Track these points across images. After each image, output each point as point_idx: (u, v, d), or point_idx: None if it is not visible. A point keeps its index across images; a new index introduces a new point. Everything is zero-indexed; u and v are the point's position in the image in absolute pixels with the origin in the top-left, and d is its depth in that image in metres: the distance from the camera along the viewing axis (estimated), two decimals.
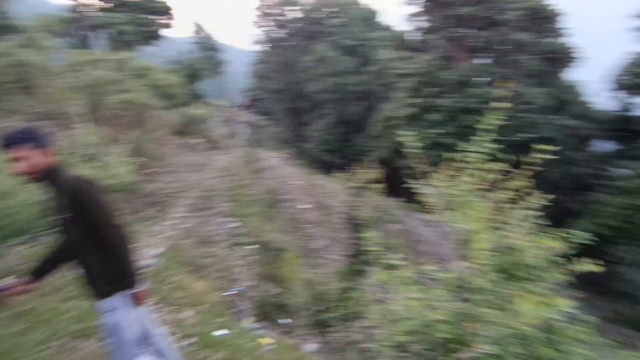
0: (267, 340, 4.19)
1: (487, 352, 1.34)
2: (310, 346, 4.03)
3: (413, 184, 1.83)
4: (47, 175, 1.99)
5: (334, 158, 27.70)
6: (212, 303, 4.87)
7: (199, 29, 39.10)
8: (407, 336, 1.57)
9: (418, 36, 23.27)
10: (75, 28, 21.58)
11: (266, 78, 36.51)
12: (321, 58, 28.69)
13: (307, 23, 34.34)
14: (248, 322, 4.90)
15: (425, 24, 21.86)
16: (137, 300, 2.13)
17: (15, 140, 1.88)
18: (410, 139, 1.86)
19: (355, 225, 2.90)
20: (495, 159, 1.68)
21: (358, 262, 2.98)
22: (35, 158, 1.92)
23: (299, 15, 35.25)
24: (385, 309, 1.80)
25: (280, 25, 34.97)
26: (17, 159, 1.88)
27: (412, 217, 11.93)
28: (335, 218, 8.64)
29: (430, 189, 1.80)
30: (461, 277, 1.61)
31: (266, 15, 34.55)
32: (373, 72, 27.05)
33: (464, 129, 17.14)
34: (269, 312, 5.25)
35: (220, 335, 4.01)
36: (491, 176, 1.63)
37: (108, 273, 2.08)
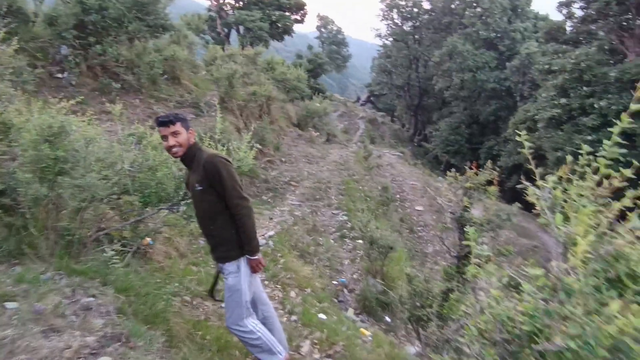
0: (367, 332, 4.30)
1: (571, 347, 1.24)
2: (410, 348, 3.99)
3: (525, 184, 1.72)
4: (190, 152, 2.46)
5: (458, 160, 26.22)
6: (315, 288, 5.19)
7: (325, 22, 40.99)
8: (491, 326, 1.52)
9: (572, 26, 20.32)
10: (215, 25, 24.94)
11: (388, 73, 36.40)
12: (453, 52, 27.26)
13: (438, 14, 33.00)
14: (349, 313, 5.08)
15: (582, 12, 18.94)
16: (255, 267, 2.50)
17: (174, 119, 2.42)
18: (524, 140, 1.75)
19: (463, 226, 2.79)
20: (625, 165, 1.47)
21: (464, 264, 2.85)
22: (184, 135, 2.43)
23: (428, 6, 34.04)
24: (473, 301, 1.75)
25: (406, 17, 34.33)
26: (173, 134, 2.40)
27: (527, 222, 10.57)
28: (446, 218, 8.26)
29: (544, 191, 1.67)
30: (556, 277, 1.49)
31: (391, 7, 34.31)
32: (515, 67, 24.55)
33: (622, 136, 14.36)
34: (371, 308, 5.35)
35: (321, 318, 4.27)
36: (615, 183, 1.44)
37: (233, 239, 2.46)
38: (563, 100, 16.93)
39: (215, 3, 25.12)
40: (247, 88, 11.84)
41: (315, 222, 7.40)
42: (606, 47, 17.34)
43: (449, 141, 27.48)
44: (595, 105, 15.72)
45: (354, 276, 6.18)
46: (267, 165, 9.75)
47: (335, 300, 5.39)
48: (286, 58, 23.38)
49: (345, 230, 7.46)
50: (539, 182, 1.67)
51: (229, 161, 2.43)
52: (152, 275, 3.91)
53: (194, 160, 2.45)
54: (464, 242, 2.60)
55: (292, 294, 4.79)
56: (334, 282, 5.86)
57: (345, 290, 5.75)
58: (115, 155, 3.61)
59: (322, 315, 4.36)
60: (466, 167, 3.45)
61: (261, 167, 9.40)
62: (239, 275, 2.48)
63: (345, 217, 7.94)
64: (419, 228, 9.63)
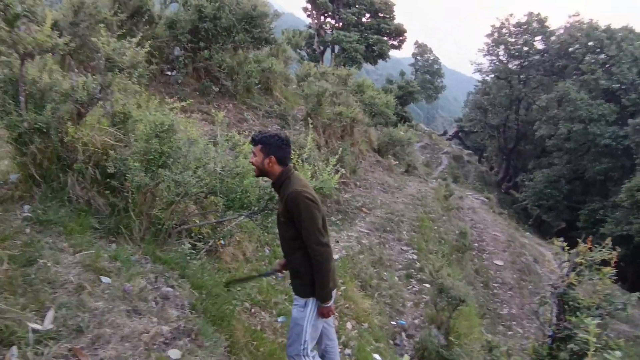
0: None
1: None
2: None
3: None
4: (278, 179, 2.48)
5: (551, 217, 24.16)
6: (373, 325, 5.12)
7: (422, 50, 40.97)
8: None
9: None
10: (312, 42, 26.23)
11: (484, 110, 35.08)
12: (564, 98, 25.51)
13: (552, 56, 31.19)
14: (404, 359, 4.92)
15: None
16: (324, 315, 2.51)
17: (257, 139, 2.49)
18: None
19: (565, 304, 2.56)
20: None
21: (559, 347, 2.63)
22: (259, 158, 2.47)
23: (542, 46, 32.34)
24: None
25: (513, 55, 32.95)
26: (254, 152, 2.52)
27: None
28: (540, 287, 7.64)
29: None
30: None
31: (499, 43, 33.22)
32: (638, 126, 22.17)
33: None
34: (428, 359, 5.13)
35: (376, 359, 4.20)
36: None
37: (307, 277, 2.46)
38: None
39: (316, 21, 26.46)
40: (334, 107, 12.23)
41: (382, 254, 7.32)
42: None
43: (543, 194, 25.50)
44: None
45: (415, 321, 5.98)
46: (341, 186, 9.90)
47: (392, 342, 5.26)
48: (376, 80, 23.74)
49: (412, 270, 7.27)
50: None
51: (314, 201, 2.39)
52: (221, 277, 4.18)
53: (281, 188, 2.48)
54: (566, 324, 2.42)
55: (349, 325, 4.78)
56: (393, 323, 5.73)
57: (403, 334, 5.59)
58: (210, 156, 3.98)
59: (377, 356, 4.30)
60: (579, 240, 3.20)
61: (335, 188, 9.59)
62: (304, 312, 2.51)
63: (414, 256, 7.75)
64: (495, 284, 9.04)
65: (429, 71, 40.63)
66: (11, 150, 3.18)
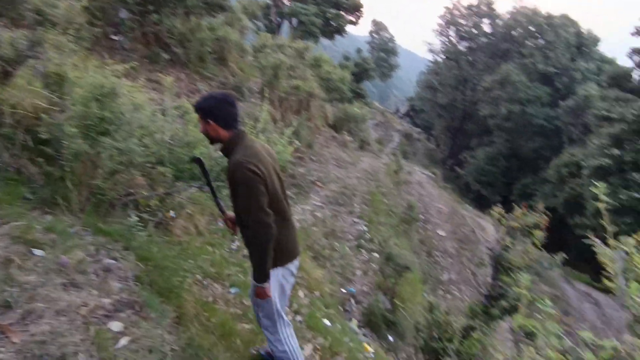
0: (370, 348, 4.25)
1: None
2: None
3: (595, 242, 1.65)
4: (227, 146, 2.28)
5: (489, 192, 25.58)
6: (324, 293, 5.17)
7: (378, 28, 40.89)
8: None
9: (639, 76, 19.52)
10: (269, 13, 25.30)
11: (434, 90, 35.96)
12: (505, 80, 26.63)
13: (498, 39, 32.31)
14: (352, 323, 5.04)
15: None
16: (259, 294, 2.29)
17: (202, 113, 2.26)
18: (602, 194, 1.66)
19: (499, 266, 2.68)
20: None
21: (491, 304, 2.77)
22: (209, 126, 2.24)
23: (489, 29, 33.39)
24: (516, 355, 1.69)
25: (464, 37, 33.82)
26: (199, 120, 2.31)
27: (569, 283, 10.19)
28: (478, 253, 8.09)
29: (616, 253, 1.59)
30: (628, 352, 1.42)
31: (450, 23, 33.87)
32: (568, 107, 23.71)
33: None
34: (375, 323, 5.29)
35: (326, 324, 4.25)
36: None
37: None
38: (616, 151, 16.28)
39: None
40: (290, 81, 11.95)
41: (335, 226, 7.38)
42: None
43: (483, 171, 26.90)
44: None
45: (364, 288, 6.13)
46: (297, 160, 9.79)
47: (341, 309, 5.36)
48: (333, 57, 23.45)
49: (363, 241, 7.40)
50: (612, 242, 1.58)
51: (255, 173, 2.11)
52: (171, 249, 4.00)
53: (230, 156, 2.26)
54: (499, 283, 2.53)
55: (301, 294, 4.79)
56: (343, 290, 5.83)
57: (352, 300, 5.71)
58: (158, 125, 3.72)
59: (327, 321, 4.35)
60: (516, 205, 3.34)
61: (290, 162, 9.46)
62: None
63: (365, 228, 7.89)
64: (437, 253, 9.47)
65: (384, 49, 40.74)
66: None
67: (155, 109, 4.05)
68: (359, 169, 11.47)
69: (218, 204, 2.58)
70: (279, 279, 2.39)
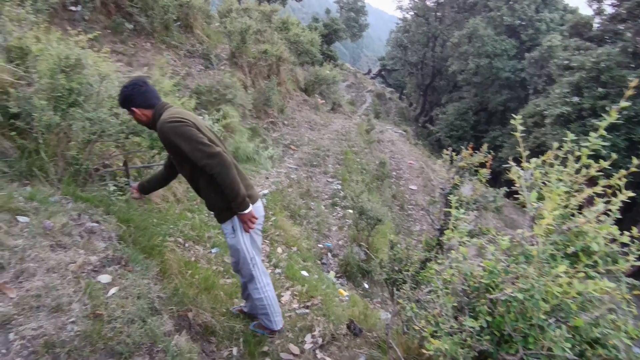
0: (344, 292, 4.61)
1: (518, 298, 1.53)
2: (383, 314, 4.30)
3: (510, 164, 1.94)
4: (152, 122, 2.37)
5: (459, 146, 26.27)
6: (302, 248, 5.47)
7: None
8: (456, 278, 1.79)
9: (600, 24, 19.86)
10: None
11: (404, 48, 35.68)
12: (473, 35, 26.64)
13: None
14: (330, 275, 5.39)
15: (613, 10, 18.51)
16: (246, 224, 2.44)
17: (123, 104, 2.39)
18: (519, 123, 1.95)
19: (449, 202, 2.95)
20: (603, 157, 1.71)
21: (444, 235, 3.08)
22: (136, 114, 2.37)
23: None
24: (444, 258, 2.03)
25: None
26: (129, 114, 2.46)
27: (517, 214, 10.96)
28: (436, 193, 8.52)
29: (526, 172, 1.90)
30: (519, 242, 1.79)
31: None
32: (533, 59, 24.09)
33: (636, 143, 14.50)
34: (351, 273, 5.67)
35: (304, 275, 4.56)
36: (592, 171, 1.67)
37: (219, 199, 2.38)
38: (575, 99, 16.86)
39: None
40: (259, 45, 11.74)
41: (310, 187, 7.62)
42: (630, 50, 17.03)
43: (454, 126, 27.42)
44: (607, 108, 15.70)
45: (340, 242, 6.47)
46: (270, 126, 9.86)
47: (319, 262, 5.70)
48: (302, 19, 22.84)
49: (337, 199, 7.70)
50: (524, 164, 1.88)
51: (179, 121, 2.20)
52: (150, 214, 4.15)
53: (156, 130, 2.34)
54: (446, 210, 2.82)
55: (279, 250, 5.07)
56: (320, 246, 6.15)
57: (329, 254, 6.05)
58: None
59: (304, 272, 4.66)
60: (463, 148, 3.62)
61: (263, 127, 9.52)
62: (235, 235, 2.49)
63: (339, 186, 8.16)
64: (409, 206, 9.90)
65: (353, 9, 39.77)
66: None
67: (123, 78, 4.05)
68: (331, 130, 11.61)
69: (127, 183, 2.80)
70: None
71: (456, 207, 2.17)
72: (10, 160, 2.95)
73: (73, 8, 7.64)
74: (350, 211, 7.31)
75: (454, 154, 3.35)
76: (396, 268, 3.39)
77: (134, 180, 4.05)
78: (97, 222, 2.76)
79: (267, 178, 7.15)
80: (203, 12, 11.88)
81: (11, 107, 2.95)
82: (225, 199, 2.35)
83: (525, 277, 1.59)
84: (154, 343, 2.19)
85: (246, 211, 2.38)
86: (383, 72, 42.58)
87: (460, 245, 1.94)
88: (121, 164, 3.77)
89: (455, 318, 1.90)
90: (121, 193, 3.54)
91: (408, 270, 3.07)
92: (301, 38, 15.45)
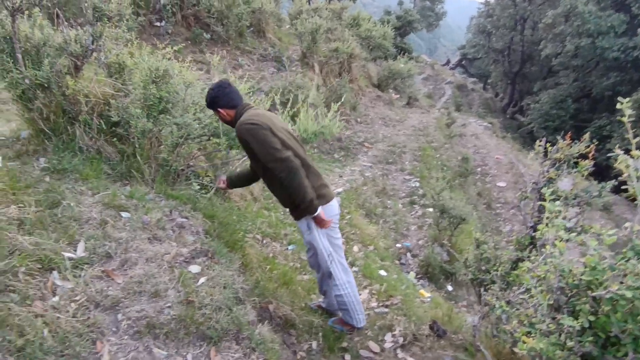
0: (426, 293, 4.53)
1: (626, 296, 1.41)
2: (469, 318, 4.15)
3: (617, 153, 1.79)
4: (233, 123, 2.58)
5: (555, 138, 24.03)
6: (379, 247, 5.48)
7: None
8: (551, 275, 1.70)
9: None
10: None
11: (487, 34, 33.68)
12: (571, 13, 24.23)
13: None
14: (409, 275, 5.32)
15: None
16: (319, 224, 2.59)
17: (210, 105, 2.66)
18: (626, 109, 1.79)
19: (543, 197, 2.73)
20: None
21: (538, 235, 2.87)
22: (221, 114, 2.63)
23: None
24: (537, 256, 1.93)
25: None
26: (215, 114, 2.70)
27: (631, 213, 9.70)
28: (527, 188, 7.95)
29: (637, 161, 1.73)
30: (628, 238, 1.65)
31: None
32: None
33: None
34: (433, 274, 5.53)
35: (382, 274, 4.58)
36: None
37: (289, 201, 2.58)
38: None
39: None
40: (329, 44, 11.97)
41: (386, 185, 7.59)
42: None
43: (549, 116, 25.15)
44: None
45: (419, 242, 6.35)
46: (343, 124, 9.99)
47: (397, 262, 5.65)
48: (373, 14, 22.76)
49: (415, 197, 7.56)
50: (634, 152, 1.73)
51: (255, 124, 2.39)
52: (231, 211, 4.49)
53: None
54: (540, 203, 2.66)
55: (355, 248, 5.14)
56: (398, 245, 6.10)
57: (408, 254, 5.97)
58: None
59: (382, 272, 4.67)
60: (558, 138, 3.37)
61: (337, 126, 9.67)
62: (311, 232, 2.64)
63: (417, 184, 8.01)
64: (497, 205, 9.35)
65: None
66: (18, 108, 3.35)
67: (204, 85, 4.45)
68: (407, 126, 11.42)
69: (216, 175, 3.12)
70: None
71: (551, 200, 2.06)
72: (113, 163, 3.41)
73: (158, 24, 8.52)
74: (430, 210, 7.13)
75: (548, 145, 3.13)
76: (483, 268, 3.25)
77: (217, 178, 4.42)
78: (186, 217, 3.08)
79: (341, 176, 7.27)
80: (274, 16, 12.46)
81: (112, 116, 3.41)
82: (293, 201, 2.53)
83: (636, 274, 1.47)
84: (240, 330, 2.39)
85: (314, 215, 2.53)
86: (464, 62, 40.65)
87: (556, 240, 1.84)
88: (203, 165, 4.14)
89: (552, 318, 1.81)
90: (205, 191, 3.89)
91: (497, 270, 2.94)
92: (373, 33, 15.41)
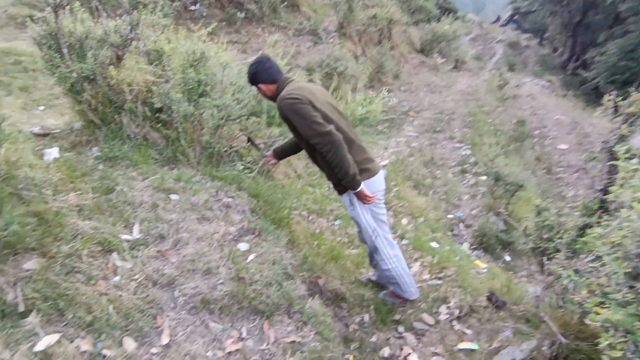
0: (482, 264, 4.42)
1: None
2: (531, 288, 4.01)
3: None
4: (275, 98, 2.60)
5: (625, 92, 22.08)
6: (429, 219, 5.39)
7: None
8: (628, 240, 1.58)
9: None
10: None
11: None
12: None
13: None
14: (463, 246, 5.20)
15: None
16: (362, 200, 2.58)
17: (251, 82, 2.67)
18: None
19: (614, 157, 2.50)
20: None
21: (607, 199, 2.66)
22: (262, 90, 2.65)
23: None
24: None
25: None
26: (257, 91, 2.71)
27: None
28: (595, 147, 7.38)
29: None
30: None
31: None
32: None
33: None
34: (489, 245, 5.37)
35: (433, 246, 4.51)
36: None
37: (332, 176, 2.56)
38: None
39: None
40: (367, 11, 11.62)
41: (434, 154, 7.38)
42: None
43: (617, 68, 23.05)
44: None
45: (473, 212, 6.16)
46: (385, 94, 9.76)
47: (449, 234, 5.54)
48: None
49: (467, 165, 7.31)
50: None
51: (295, 98, 2.38)
52: (275, 190, 4.58)
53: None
54: (611, 164, 2.47)
55: (404, 221, 5.09)
56: (450, 216, 5.96)
57: (461, 225, 5.82)
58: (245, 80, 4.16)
59: (434, 244, 4.60)
60: (630, 91, 3.09)
61: (380, 96, 9.47)
62: (354, 207, 2.64)
63: (468, 151, 7.72)
64: (559, 169, 8.83)
65: None
66: (69, 101, 3.57)
67: (241, 65, 4.49)
68: (455, 91, 10.96)
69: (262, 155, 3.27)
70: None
71: (626, 159, 1.91)
72: (159, 148, 3.57)
73: (192, 7, 8.66)
74: (484, 178, 6.87)
75: (618, 99, 2.87)
76: (545, 236, 3.10)
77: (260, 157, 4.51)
78: (232, 197, 3.18)
79: (386, 149, 7.16)
80: None
81: (155, 103, 3.54)
82: (335, 175, 2.51)
83: None
84: (291, 305, 2.47)
85: (357, 190, 2.51)
86: (516, 17, 38.01)
87: (633, 202, 1.70)
88: (245, 144, 4.22)
89: (630, 287, 1.69)
90: (249, 171, 3.98)
91: (562, 238, 2.78)
92: None
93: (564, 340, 2.38)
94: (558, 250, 2.79)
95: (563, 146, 9.54)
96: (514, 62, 21.45)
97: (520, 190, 6.11)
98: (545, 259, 3.14)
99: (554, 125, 10.57)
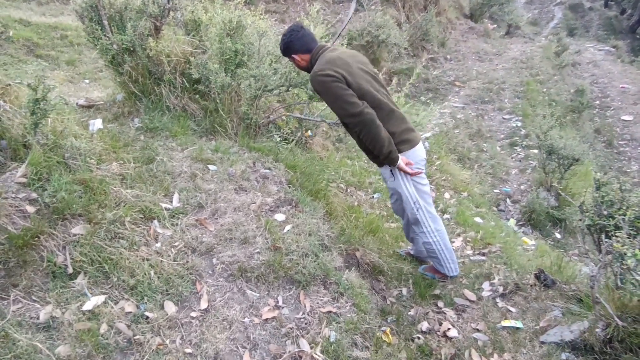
0: (530, 241, 4.25)
1: None
2: (584, 267, 3.82)
3: None
4: (310, 68, 2.56)
5: None
6: (473, 193, 5.22)
7: None
8: None
9: None
10: None
11: None
12: None
13: None
14: (509, 222, 5.02)
15: None
16: (404, 171, 2.53)
17: (284, 53, 2.61)
18: None
19: None
20: None
21: None
22: (296, 60, 2.60)
23: None
24: None
25: None
26: (291, 61, 2.65)
27: None
28: None
29: None
30: None
31: None
32: None
33: None
34: (537, 221, 5.14)
35: (477, 221, 4.37)
36: None
37: (368, 150, 2.54)
38: None
39: None
40: None
41: (481, 126, 7.08)
42: None
43: None
44: None
45: (521, 187, 5.90)
46: (429, 63, 9.41)
47: (495, 209, 5.35)
48: None
49: (517, 138, 6.96)
50: None
51: (328, 75, 2.33)
52: (313, 162, 4.58)
53: None
54: None
55: (447, 195, 4.96)
56: (496, 191, 5.75)
57: (508, 200, 5.60)
58: None
59: (478, 219, 4.46)
60: None
61: (422, 66, 9.14)
62: (394, 179, 2.60)
63: (518, 123, 7.34)
64: (621, 142, 8.23)
65: None
66: (111, 73, 3.69)
67: (278, 33, 4.45)
68: (506, 59, 10.37)
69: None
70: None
71: None
72: (198, 119, 3.64)
73: None
74: (535, 151, 6.53)
75: None
76: (605, 212, 2.90)
77: (298, 129, 4.50)
78: (269, 168, 3.20)
79: (429, 120, 6.94)
80: None
81: (193, 74, 3.60)
82: (371, 150, 2.49)
83: None
84: (327, 275, 2.49)
85: (397, 165, 2.49)
86: None
87: None
88: (283, 117, 4.22)
89: None
90: (286, 142, 3.99)
91: (624, 215, 2.59)
92: None
93: (620, 322, 2.25)
94: (619, 228, 2.60)
95: (627, 117, 8.86)
96: (575, 26, 19.94)
97: (576, 165, 5.76)
98: (603, 236, 2.95)
99: (617, 95, 9.81)
